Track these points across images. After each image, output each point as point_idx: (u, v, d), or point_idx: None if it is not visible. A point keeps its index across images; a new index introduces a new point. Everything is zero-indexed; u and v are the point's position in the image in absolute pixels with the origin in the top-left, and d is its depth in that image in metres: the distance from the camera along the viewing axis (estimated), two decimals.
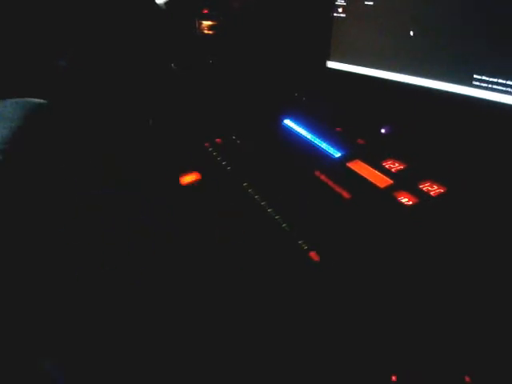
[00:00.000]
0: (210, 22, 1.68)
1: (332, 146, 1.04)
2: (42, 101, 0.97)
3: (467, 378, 0.55)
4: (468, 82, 0.92)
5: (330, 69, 1.26)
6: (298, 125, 1.17)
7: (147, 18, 1.61)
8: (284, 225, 0.85)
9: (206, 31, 1.69)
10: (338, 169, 0.96)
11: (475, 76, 0.91)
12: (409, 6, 1.03)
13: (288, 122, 1.20)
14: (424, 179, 0.85)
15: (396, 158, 0.93)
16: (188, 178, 1.04)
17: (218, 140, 1.21)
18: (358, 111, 1.12)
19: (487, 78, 0.89)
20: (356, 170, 0.94)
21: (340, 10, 1.21)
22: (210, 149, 1.17)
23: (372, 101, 1.09)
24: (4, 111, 0.87)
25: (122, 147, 1.23)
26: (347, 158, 0.98)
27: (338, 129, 1.10)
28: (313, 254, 0.79)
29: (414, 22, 1.03)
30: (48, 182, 0.85)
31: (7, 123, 0.82)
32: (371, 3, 1.13)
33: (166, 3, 1.69)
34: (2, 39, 1.14)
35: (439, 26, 0.96)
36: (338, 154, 1.01)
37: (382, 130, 1.01)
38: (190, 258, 0.83)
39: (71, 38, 1.32)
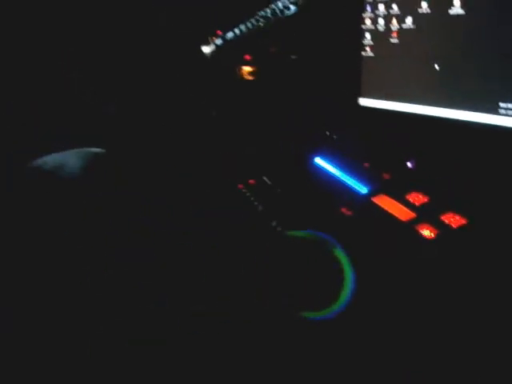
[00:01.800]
0: (249, 68, 1.82)
1: (359, 182, 1.07)
2: (99, 150, 1.09)
3: None
4: (494, 110, 0.93)
5: (362, 106, 1.31)
6: (327, 162, 1.22)
7: (195, 65, 1.78)
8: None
9: (246, 76, 1.83)
10: (363, 205, 0.99)
11: (501, 104, 0.92)
12: (432, 41, 1.07)
13: (318, 161, 1.25)
14: (446, 211, 0.86)
15: (420, 190, 0.95)
16: None
17: (251, 181, 1.28)
18: (386, 146, 1.15)
19: None
20: (380, 205, 0.96)
21: (368, 49, 1.27)
22: (244, 190, 1.25)
23: (400, 135, 1.12)
24: (67, 162, 0.99)
25: (163, 192, 1.33)
26: (373, 193, 1.01)
27: (366, 164, 1.14)
28: None
29: (437, 55, 1.06)
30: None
31: (70, 172, 0.93)
32: (397, 41, 1.18)
33: (212, 52, 1.86)
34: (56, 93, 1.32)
35: (463, 56, 0.99)
36: (364, 190, 1.04)
37: (408, 164, 1.03)
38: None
39: (119, 87, 1.49)
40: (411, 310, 0.72)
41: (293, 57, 1.67)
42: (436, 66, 1.08)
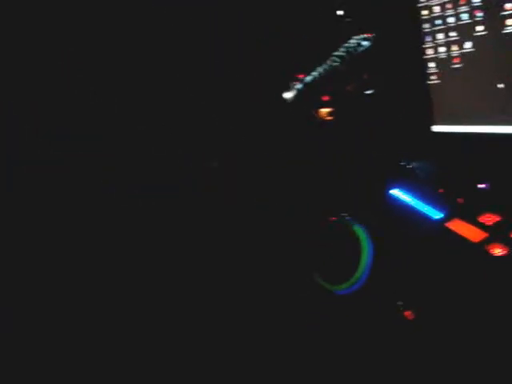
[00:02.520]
0: (327, 109, 1.92)
1: (434, 209, 1.10)
2: None
3: None
4: None
5: (435, 132, 1.33)
6: (404, 193, 1.26)
7: (276, 111, 1.93)
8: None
9: (325, 117, 1.93)
10: (437, 231, 1.02)
11: None
12: (492, 61, 1.10)
13: (395, 192, 1.29)
14: None
15: (492, 210, 0.95)
16: None
17: (332, 218, 1.36)
18: (459, 170, 1.16)
19: None
20: (453, 229, 0.99)
21: (433, 76, 1.32)
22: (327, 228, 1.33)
23: (473, 157, 1.13)
24: None
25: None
26: (446, 218, 1.04)
27: (440, 190, 1.16)
28: (407, 314, 0.87)
29: (500, 74, 1.08)
30: None
31: None
32: (460, 66, 1.21)
33: (293, 96, 2.00)
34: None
35: None
36: (438, 216, 1.07)
37: (480, 186, 1.04)
38: None
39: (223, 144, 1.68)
40: (486, 326, 0.73)
41: (367, 92, 1.74)
42: (501, 85, 1.09)
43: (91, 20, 1.41)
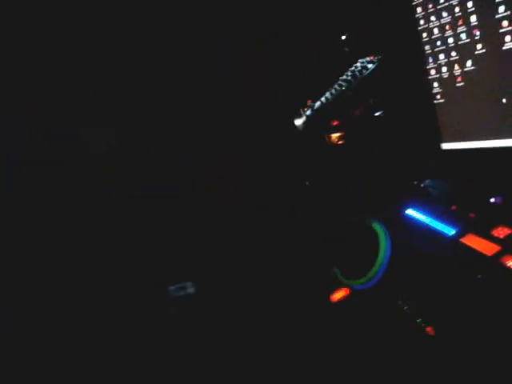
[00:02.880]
0: (338, 134, 1.96)
1: (448, 225, 1.12)
2: None
3: None
4: None
5: (445, 150, 1.36)
6: (417, 212, 1.28)
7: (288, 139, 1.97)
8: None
9: (336, 141, 1.97)
10: (451, 247, 1.04)
11: None
12: (494, 78, 1.13)
13: (409, 212, 1.31)
14: None
15: (504, 223, 0.97)
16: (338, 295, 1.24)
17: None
18: (471, 185, 1.18)
19: None
20: (467, 244, 1.00)
21: (438, 96, 1.35)
22: None
23: (483, 172, 1.15)
24: None
25: None
26: (460, 234, 1.05)
27: (453, 207, 1.18)
28: (429, 329, 0.89)
29: (502, 90, 1.11)
30: None
31: None
32: (462, 84, 1.25)
33: (303, 123, 2.04)
34: None
35: None
36: (452, 232, 1.09)
37: (492, 200, 1.06)
38: None
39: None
40: (503, 337, 0.75)
41: (376, 115, 1.78)
42: (504, 100, 1.12)
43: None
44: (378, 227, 1.17)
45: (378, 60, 1.64)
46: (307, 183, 1.76)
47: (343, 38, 1.85)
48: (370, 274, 1.10)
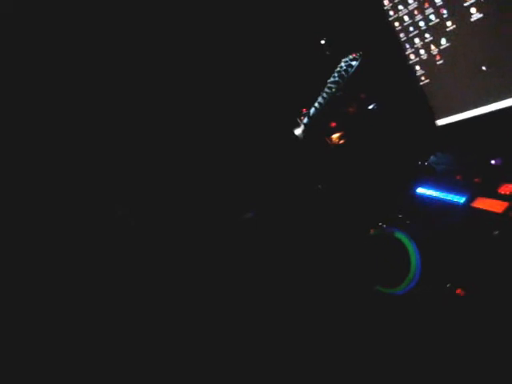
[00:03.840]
0: (338, 134, 2.04)
1: (457, 194, 1.19)
2: None
3: None
4: None
5: (440, 126, 1.44)
6: (427, 188, 1.35)
7: (289, 149, 2.05)
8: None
9: (337, 142, 2.04)
10: (465, 212, 1.11)
11: None
12: (470, 49, 1.22)
13: (420, 190, 1.38)
14: None
15: (508, 181, 1.04)
16: None
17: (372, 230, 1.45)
18: (470, 153, 1.25)
19: None
20: (479, 207, 1.07)
21: (423, 78, 1.44)
22: None
23: (479, 138, 1.23)
24: None
25: None
26: (470, 199, 1.12)
27: (458, 177, 1.25)
28: (459, 291, 0.96)
29: (480, 59, 1.20)
30: None
31: None
32: (442, 61, 1.33)
33: (303, 131, 2.12)
34: None
35: (501, 51, 1.12)
36: (462, 200, 1.16)
37: (492, 162, 1.13)
38: None
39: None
40: None
41: (370, 108, 1.87)
42: (483, 68, 1.20)
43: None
44: (400, 235, 1.24)
45: (360, 56, 1.73)
46: (319, 186, 1.83)
47: (322, 42, 1.93)
48: (408, 278, 1.18)
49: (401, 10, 1.39)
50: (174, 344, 0.99)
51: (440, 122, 1.44)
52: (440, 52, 1.32)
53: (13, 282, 1.02)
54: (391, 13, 1.42)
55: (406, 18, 1.39)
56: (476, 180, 1.16)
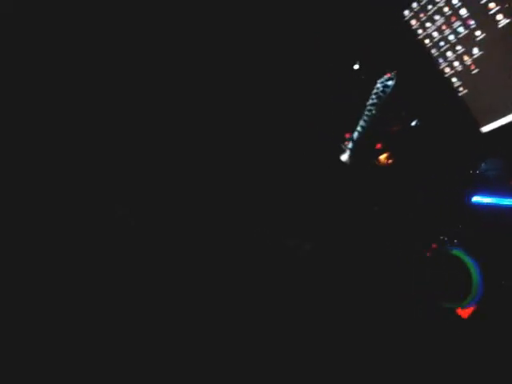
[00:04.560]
0: (385, 154, 2.06)
1: None
2: None
3: None
4: None
5: (486, 132, 1.45)
6: (483, 196, 1.35)
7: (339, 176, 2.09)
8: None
9: (386, 162, 2.07)
10: None
11: None
12: (503, 53, 1.25)
13: (476, 199, 1.39)
14: None
15: None
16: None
17: (434, 245, 1.47)
18: None
19: None
20: None
21: (461, 88, 1.46)
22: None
23: None
24: None
25: None
26: None
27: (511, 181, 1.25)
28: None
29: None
30: None
31: None
32: (477, 70, 1.37)
33: (349, 156, 2.16)
34: None
35: None
36: None
37: None
38: None
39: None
40: None
41: (412, 124, 1.89)
42: None
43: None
44: (458, 253, 1.28)
45: (395, 75, 1.77)
46: (376, 209, 1.86)
47: (356, 67, 1.99)
48: (472, 291, 1.20)
49: (429, 28, 1.44)
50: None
51: (484, 128, 1.45)
52: (474, 61, 1.35)
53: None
54: (420, 31, 1.47)
55: (434, 34, 1.44)
56: None
